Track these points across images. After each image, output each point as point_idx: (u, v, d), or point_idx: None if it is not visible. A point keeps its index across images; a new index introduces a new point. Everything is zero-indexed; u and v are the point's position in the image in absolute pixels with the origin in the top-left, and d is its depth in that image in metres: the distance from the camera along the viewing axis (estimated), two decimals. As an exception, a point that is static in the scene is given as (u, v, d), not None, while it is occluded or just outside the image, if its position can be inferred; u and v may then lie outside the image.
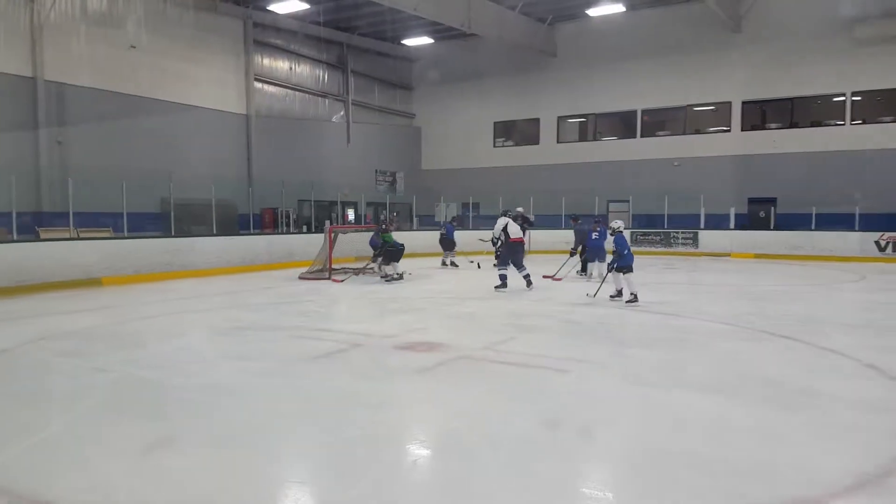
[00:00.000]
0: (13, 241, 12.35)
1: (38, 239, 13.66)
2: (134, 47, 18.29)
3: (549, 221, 21.48)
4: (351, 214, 23.52)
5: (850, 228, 18.56)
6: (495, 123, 27.24)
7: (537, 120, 26.34)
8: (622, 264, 9.68)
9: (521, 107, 26.37)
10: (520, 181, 24.16)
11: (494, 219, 12.63)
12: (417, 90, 28.83)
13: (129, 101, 18.16)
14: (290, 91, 23.80)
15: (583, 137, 26.00)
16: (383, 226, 13.86)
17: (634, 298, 9.56)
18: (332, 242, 13.82)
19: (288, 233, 20.08)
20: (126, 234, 14.69)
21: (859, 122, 20.95)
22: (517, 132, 27.11)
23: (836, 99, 21.20)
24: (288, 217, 21.00)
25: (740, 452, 3.80)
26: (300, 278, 13.00)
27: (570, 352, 6.58)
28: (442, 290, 11.66)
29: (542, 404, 4.81)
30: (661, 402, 4.87)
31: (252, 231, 20.15)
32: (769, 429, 4.27)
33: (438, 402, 4.94)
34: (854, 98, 20.91)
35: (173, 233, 15.56)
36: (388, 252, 12.99)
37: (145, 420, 4.41)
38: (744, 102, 22.51)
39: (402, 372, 5.79)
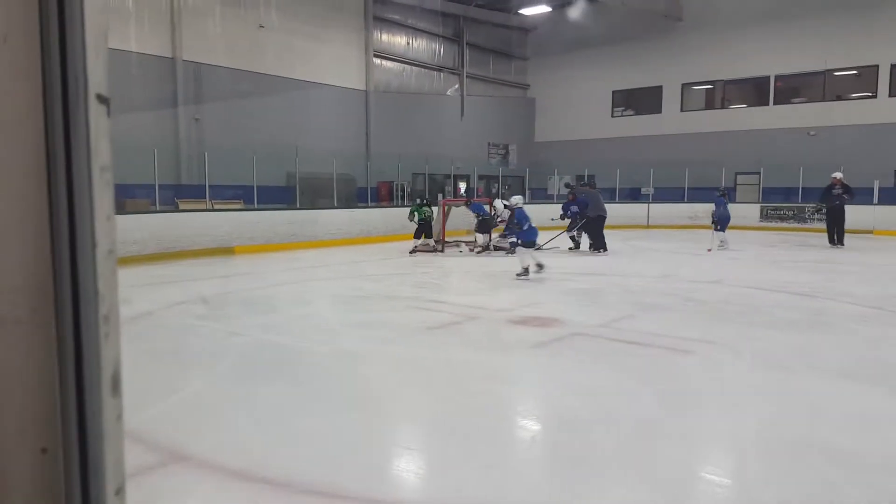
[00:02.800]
0: (156, 212, 13.49)
1: (177, 210, 14.84)
2: (263, 27, 19.22)
3: (669, 195, 20.51)
4: (463, 187, 23.69)
5: None
6: (614, 92, 26.25)
7: (660, 88, 25.09)
8: (526, 239, 9.54)
9: (642, 74, 25.21)
10: (638, 152, 23.23)
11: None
12: (532, 60, 28.30)
13: (259, 79, 19.15)
14: (406, 66, 24.14)
15: (709, 105, 24.50)
16: (469, 199, 14.12)
17: (525, 272, 9.48)
18: (445, 215, 13.99)
19: (402, 206, 20.57)
20: (255, 205, 15.64)
21: None
22: (637, 101, 25.99)
23: None
24: (402, 190, 21.48)
25: (882, 445, 3.50)
26: (411, 252, 13.22)
27: (694, 331, 6.31)
28: (555, 266, 11.50)
29: (664, 385, 4.66)
30: (794, 388, 4.57)
31: (369, 204, 20.83)
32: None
33: (554, 378, 4.92)
34: None
35: (298, 205, 16.36)
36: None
37: (278, 382, 4.71)
38: (893, 66, 20.23)
39: (518, 346, 5.80)
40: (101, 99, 0.39)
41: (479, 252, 13.02)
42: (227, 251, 12.78)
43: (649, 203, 20.76)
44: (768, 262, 9.10)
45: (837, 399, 4.33)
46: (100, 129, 0.39)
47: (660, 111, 25.12)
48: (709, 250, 12.56)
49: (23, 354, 0.37)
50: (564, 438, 3.72)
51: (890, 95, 20.42)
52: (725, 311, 7.46)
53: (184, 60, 17.75)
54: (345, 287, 9.36)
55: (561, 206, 13.58)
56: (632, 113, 26.08)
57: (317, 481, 3.08)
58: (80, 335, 0.38)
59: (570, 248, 13.20)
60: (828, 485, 3.07)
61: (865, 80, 20.86)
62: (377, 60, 22.98)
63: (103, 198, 0.39)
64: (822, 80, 21.69)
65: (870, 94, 20.81)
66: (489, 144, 26.53)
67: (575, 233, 13.19)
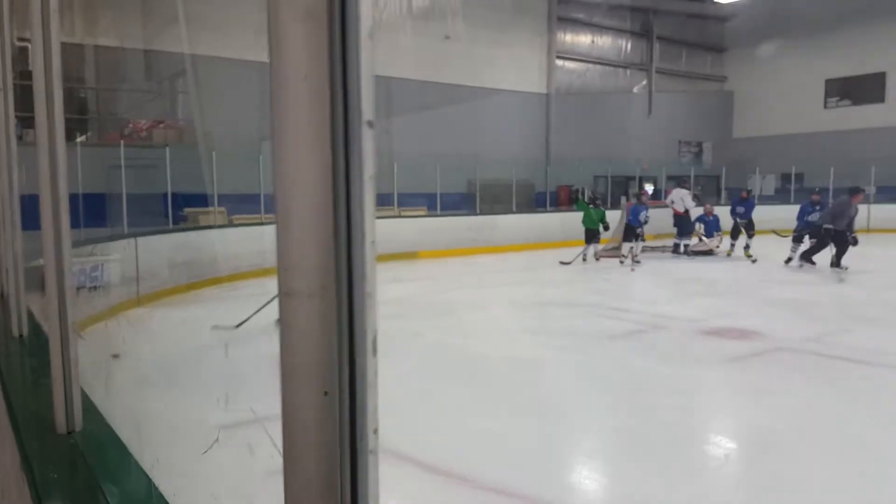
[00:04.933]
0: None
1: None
2: (448, 38, 20.07)
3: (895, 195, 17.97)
4: (650, 189, 22.69)
5: None
6: (827, 81, 23.55)
7: (883, 74, 22.04)
8: None
9: (861, 60, 22.32)
10: (856, 147, 20.58)
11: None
12: (730, 51, 26.33)
13: (443, 89, 19.99)
14: (590, 65, 23.71)
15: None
16: (592, 201, 12.69)
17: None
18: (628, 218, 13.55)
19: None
20: (438, 212, 16.38)
21: None
22: (855, 90, 23.06)
23: None
24: (583, 193, 21.11)
25: None
26: (596, 257, 12.83)
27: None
28: (750, 272, 10.64)
29: (885, 407, 4.13)
30: None
31: (548, 208, 20.78)
32: None
33: (751, 395, 4.54)
34: None
35: (478, 211, 16.84)
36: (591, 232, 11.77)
37: (458, 384, 4.88)
38: None
39: (710, 360, 5.45)
40: (370, 124, 0.51)
41: (622, 261, 11.59)
42: (411, 255, 13.53)
43: (870, 204, 18.31)
44: None
45: None
46: (368, 148, 0.51)
47: (883, 100, 22.04)
48: None
49: (313, 320, 0.50)
50: (764, 460, 3.46)
51: None
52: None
53: (376, 76, 19.05)
54: (522, 293, 9.45)
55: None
56: (849, 103, 23.18)
57: (497, 480, 3.17)
58: (352, 307, 0.51)
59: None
60: None
61: None
62: (559, 62, 22.85)
63: (370, 201, 0.51)
64: None
65: None
66: (680, 143, 25.14)
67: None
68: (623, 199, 15.42)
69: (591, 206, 12.15)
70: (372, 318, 0.51)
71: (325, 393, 0.50)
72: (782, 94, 24.38)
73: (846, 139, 21.75)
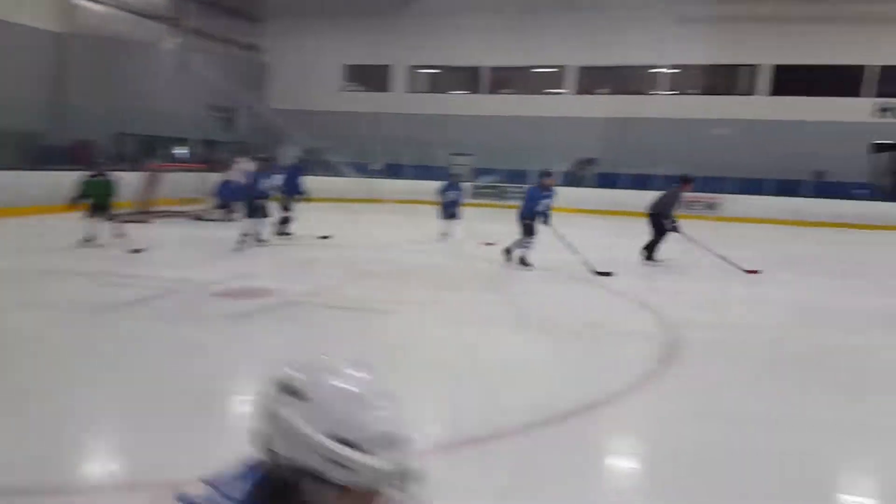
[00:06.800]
0: None
1: None
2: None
3: (395, 171, 21.62)
4: (180, 152, 21.96)
5: (650, 188, 20.53)
6: (345, 66, 26.61)
7: (388, 67, 26.11)
8: None
9: (373, 51, 25.90)
10: (368, 128, 23.94)
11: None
12: (267, 22, 27.21)
13: None
14: (119, 11, 21.40)
15: (434, 89, 26.24)
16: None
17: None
18: (151, 182, 12.92)
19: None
20: None
21: (676, 92, 23.30)
22: (368, 77, 26.71)
23: (653, 70, 23.37)
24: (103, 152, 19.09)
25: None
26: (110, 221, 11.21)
27: (396, 294, 6.87)
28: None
29: (361, 345, 5.04)
30: (475, 338, 5.29)
31: (61, 166, 18.16)
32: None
33: (250, 347, 4.97)
34: (673, 70, 23.18)
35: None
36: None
37: None
38: (579, 68, 23.96)
39: (215, 318, 5.69)
40: None
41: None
42: None
43: (376, 178, 21.66)
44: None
45: (504, 345, 5.15)
46: None
47: (387, 90, 26.17)
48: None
49: None
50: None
51: (577, 93, 24.06)
52: (423, 275, 8.19)
53: None
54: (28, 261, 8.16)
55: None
56: (362, 88, 26.74)
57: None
58: None
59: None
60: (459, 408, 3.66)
61: (558, 78, 24.35)
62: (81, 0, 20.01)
63: None
64: (525, 75, 24.78)
65: (562, 91, 24.33)
66: (212, 107, 24.93)
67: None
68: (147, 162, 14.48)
69: (96, 176, 9.67)
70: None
71: None
72: (311, 72, 26.51)
73: (360, 120, 24.98)
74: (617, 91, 23.94)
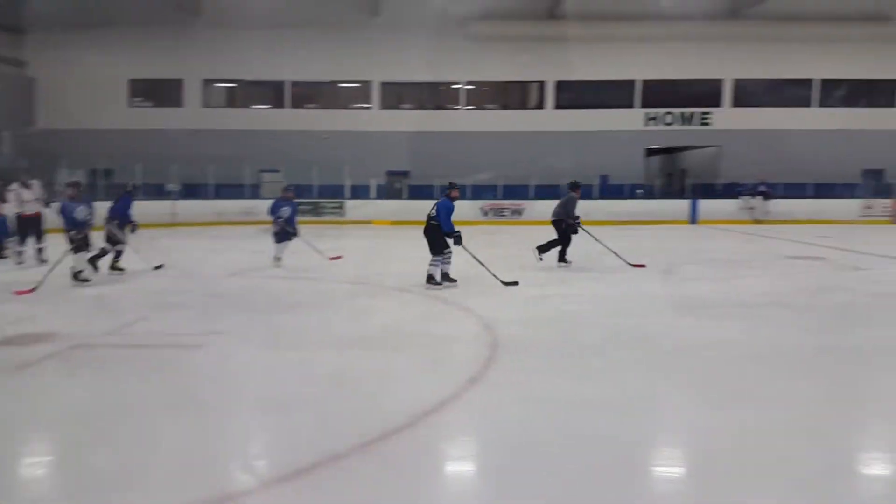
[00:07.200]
0: None
1: None
2: None
3: (199, 192, 20.20)
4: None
5: (466, 198, 21.55)
6: (131, 81, 24.38)
7: (181, 81, 24.39)
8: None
9: (163, 65, 24.07)
10: (161, 146, 22.08)
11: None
12: (32, 35, 24.00)
13: None
14: None
15: (232, 104, 25.01)
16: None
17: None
18: None
19: None
20: None
21: (472, 107, 24.60)
22: (158, 92, 24.71)
23: (455, 86, 24.48)
24: None
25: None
26: None
27: (207, 325, 6.30)
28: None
29: (164, 386, 4.51)
30: (294, 361, 4.99)
31: None
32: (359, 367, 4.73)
33: (32, 404, 4.23)
34: (468, 87, 24.46)
35: None
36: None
37: None
38: (382, 83, 24.32)
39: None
40: None
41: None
42: None
43: (174, 200, 20.06)
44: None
45: (322, 364, 4.91)
46: None
47: (182, 105, 24.45)
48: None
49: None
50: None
51: (382, 108, 24.35)
52: (240, 301, 7.68)
53: None
54: None
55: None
56: (152, 104, 24.68)
57: None
58: None
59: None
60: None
61: (364, 93, 24.45)
62: None
63: None
64: (331, 89, 24.55)
65: (368, 106, 24.46)
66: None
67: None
68: None
69: None
70: None
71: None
72: (88, 88, 23.95)
73: (152, 137, 23.05)
74: (421, 106, 24.68)
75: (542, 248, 10.30)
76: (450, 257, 8.56)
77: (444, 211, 8.41)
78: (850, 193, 22.05)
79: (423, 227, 8.65)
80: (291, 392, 4.37)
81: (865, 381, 4.80)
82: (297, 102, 24.56)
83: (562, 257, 10.26)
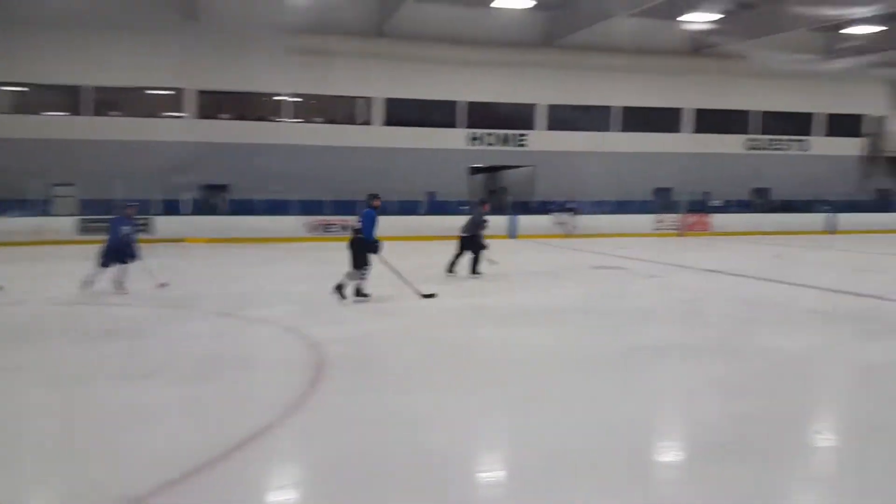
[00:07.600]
0: None
1: None
2: None
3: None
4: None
5: (286, 213, 20.88)
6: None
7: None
8: None
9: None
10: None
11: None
12: None
13: None
14: None
15: (21, 110, 22.10)
16: None
17: None
18: None
19: None
20: None
21: (300, 120, 24.05)
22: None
23: (277, 98, 23.84)
24: None
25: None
26: None
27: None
28: None
29: None
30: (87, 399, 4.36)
31: None
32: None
33: None
34: (294, 99, 23.88)
35: None
36: None
37: None
38: (199, 91, 22.86)
39: None
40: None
41: None
42: None
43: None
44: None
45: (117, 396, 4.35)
46: None
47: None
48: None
49: None
50: None
51: (197, 117, 22.80)
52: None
53: None
54: None
55: None
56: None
57: None
58: None
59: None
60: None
61: (177, 101, 22.77)
62: None
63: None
64: (138, 96, 22.59)
65: (180, 115, 22.78)
66: None
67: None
68: None
69: None
70: None
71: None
72: None
73: None
74: (241, 116, 23.60)
75: (450, 266, 10.86)
76: (367, 273, 8.45)
77: (369, 220, 8.42)
78: (644, 209, 24.67)
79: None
80: (82, 434, 3.78)
81: (660, 375, 5.24)
82: (99, 110, 22.27)
83: (474, 268, 10.79)
